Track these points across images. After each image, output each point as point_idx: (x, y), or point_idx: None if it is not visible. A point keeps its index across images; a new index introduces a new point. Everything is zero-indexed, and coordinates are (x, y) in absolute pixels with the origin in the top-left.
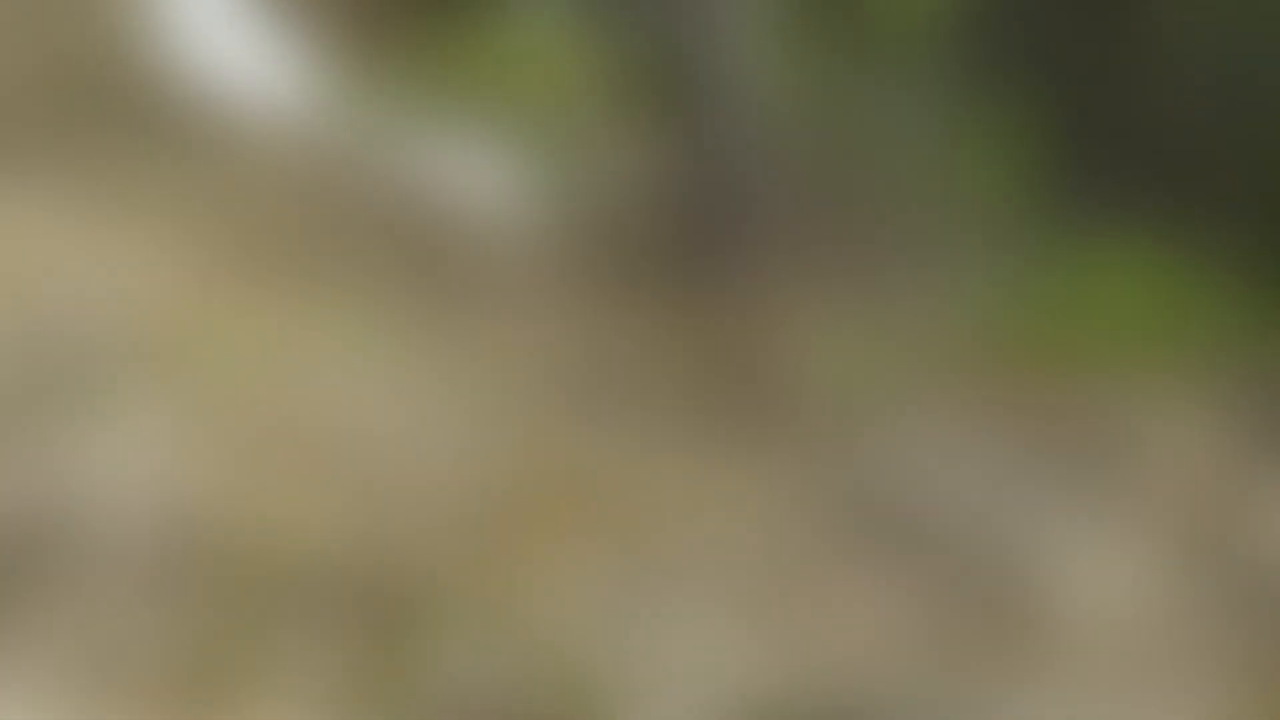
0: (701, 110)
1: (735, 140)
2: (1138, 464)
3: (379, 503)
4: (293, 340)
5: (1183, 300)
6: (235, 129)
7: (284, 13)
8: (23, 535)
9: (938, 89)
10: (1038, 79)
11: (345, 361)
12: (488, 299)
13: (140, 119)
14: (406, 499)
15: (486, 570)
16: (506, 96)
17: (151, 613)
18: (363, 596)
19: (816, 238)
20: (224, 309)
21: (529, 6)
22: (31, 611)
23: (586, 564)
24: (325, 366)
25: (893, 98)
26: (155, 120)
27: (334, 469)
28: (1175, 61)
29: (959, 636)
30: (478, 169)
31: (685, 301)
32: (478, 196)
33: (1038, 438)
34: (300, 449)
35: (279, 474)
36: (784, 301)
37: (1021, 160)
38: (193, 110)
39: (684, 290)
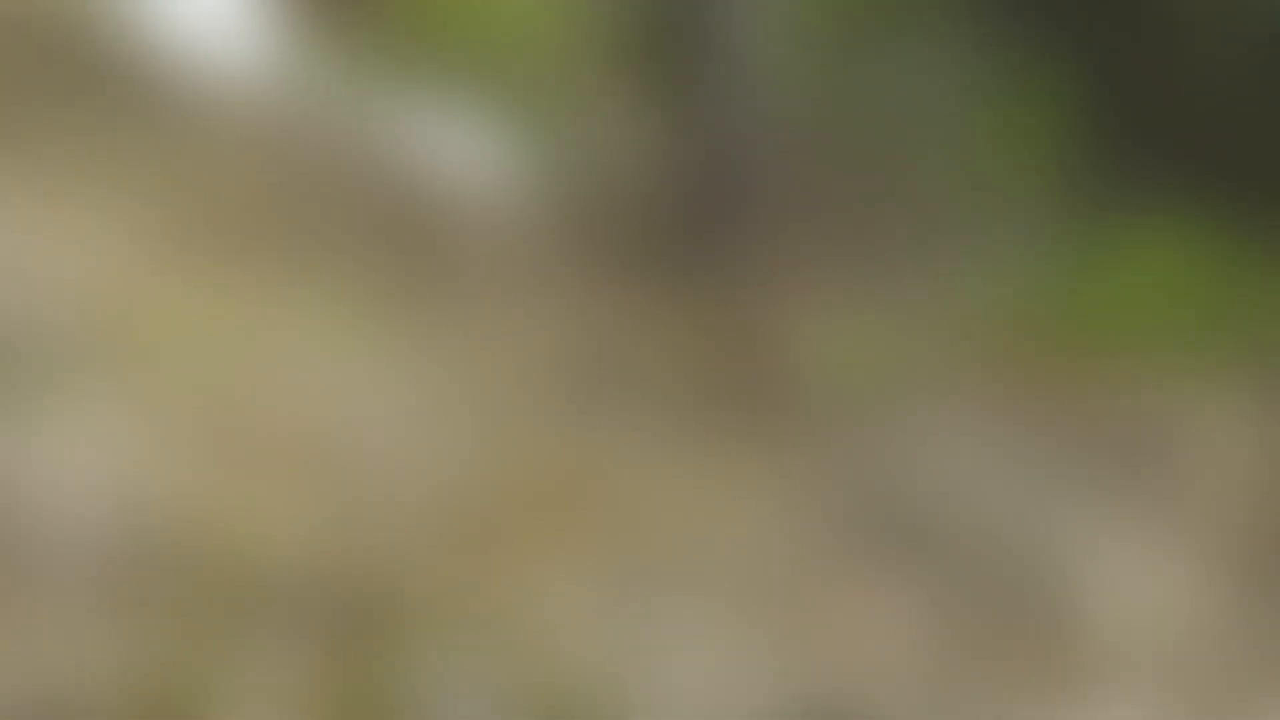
0: (705, 78)
1: (741, 111)
2: (1176, 460)
3: (355, 506)
4: (262, 328)
5: (1226, 281)
6: (199, 97)
7: None
8: None
9: (961, 54)
10: (1070, 39)
11: (319, 352)
12: (473, 284)
13: (94, 85)
14: (385, 502)
15: (471, 578)
16: (493, 62)
17: (105, 627)
18: (338, 608)
19: (827, 218)
20: (187, 293)
21: None
22: None
23: (579, 570)
24: (297, 357)
25: (912, 64)
26: (110, 87)
27: (306, 469)
28: (1222, 20)
29: (980, 648)
30: (463, 141)
31: (686, 287)
32: (463, 171)
33: (1065, 432)
34: (270, 447)
35: (247, 475)
36: (792, 287)
37: (1051, 130)
38: (152, 76)
39: (685, 275)
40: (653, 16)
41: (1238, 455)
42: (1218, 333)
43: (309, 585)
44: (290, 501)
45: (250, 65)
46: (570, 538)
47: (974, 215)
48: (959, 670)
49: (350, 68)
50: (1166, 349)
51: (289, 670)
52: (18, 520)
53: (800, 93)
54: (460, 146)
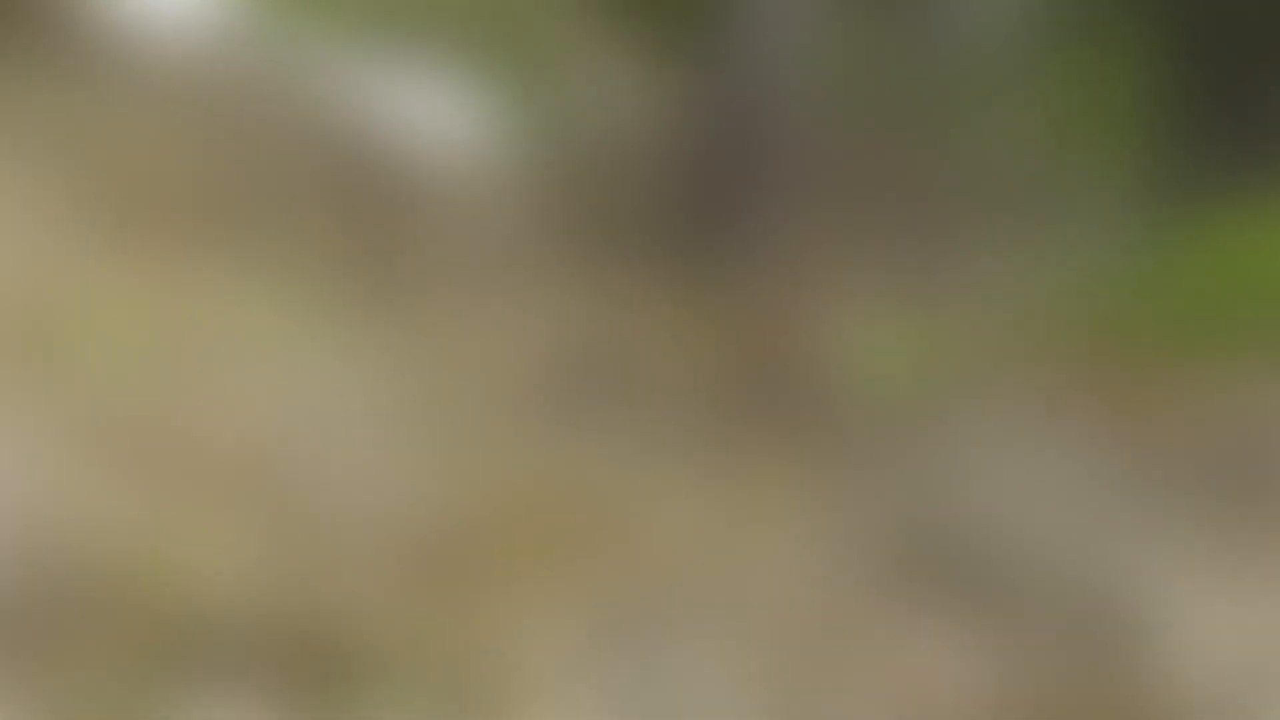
0: (720, 30)
1: (763, 70)
2: (1272, 477)
3: (309, 535)
4: (204, 325)
5: None
6: (135, 54)
7: None
8: None
9: (1026, 5)
10: None
11: (269, 353)
12: (448, 273)
13: (19, 41)
14: (343, 530)
15: (443, 620)
16: (473, 10)
17: (16, 672)
18: (289, 654)
19: (863, 197)
20: (115, 283)
21: None
22: None
23: (568, 612)
24: (244, 359)
25: (967, 16)
26: (38, 43)
27: (252, 491)
28: None
29: (1046, 702)
30: (437, 106)
31: (697, 278)
32: (437, 141)
33: (1142, 447)
34: (210, 465)
35: (183, 498)
36: (820, 278)
37: (1129, 97)
38: (83, 30)
39: (695, 264)
40: None
41: None
42: None
43: (255, 627)
44: (233, 529)
45: (197, 20)
46: (558, 573)
47: (1035, 195)
48: None
49: (309, 23)
50: (1259, 349)
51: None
52: None
53: (833, 48)
54: (434, 112)
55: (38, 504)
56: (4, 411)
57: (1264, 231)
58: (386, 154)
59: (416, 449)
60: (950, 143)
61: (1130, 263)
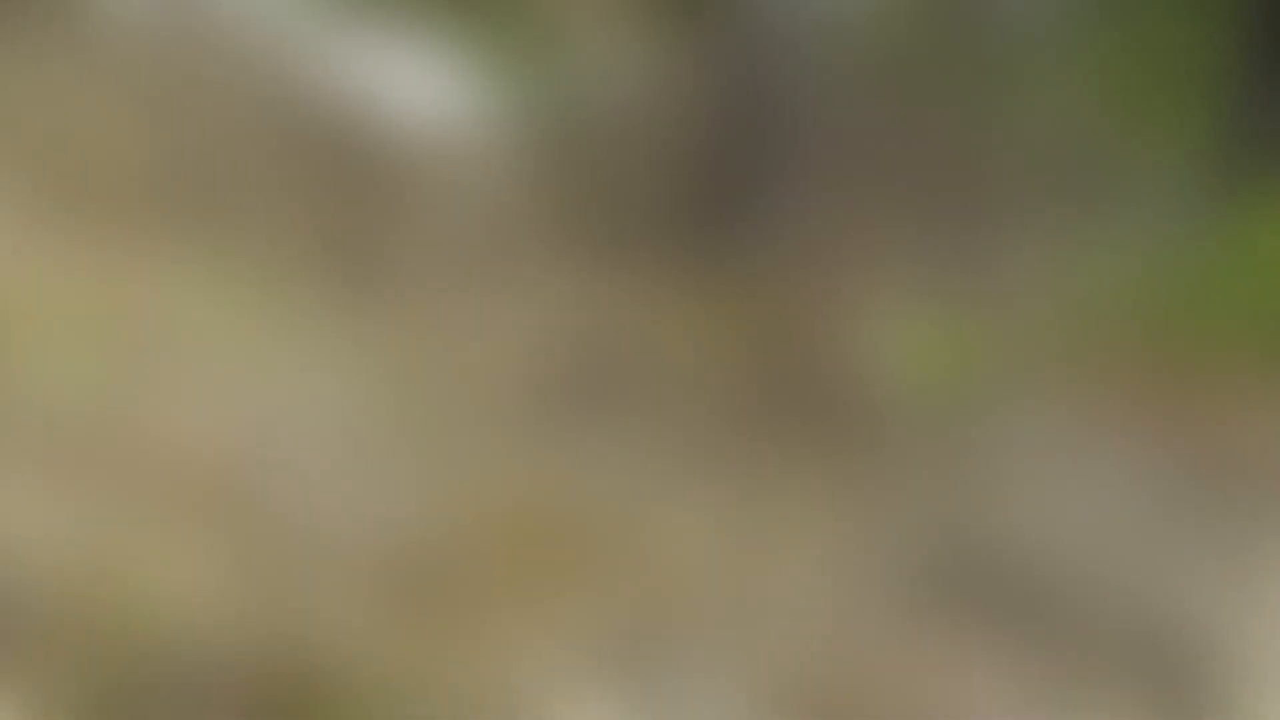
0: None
1: (786, 40)
2: None
3: (279, 556)
4: (161, 322)
5: None
6: (76, 19)
7: None
8: None
9: None
10: None
11: (234, 353)
12: (435, 264)
13: None
14: (317, 550)
15: (427, 645)
16: None
17: None
18: (258, 687)
19: (895, 180)
20: (63, 277)
21: None
22: None
23: (568, 640)
24: (205, 360)
25: None
26: None
27: (215, 508)
28: None
29: None
30: (423, 76)
31: (711, 269)
32: (423, 116)
33: (1200, 457)
34: (169, 480)
35: (138, 517)
36: (847, 270)
37: (1195, 67)
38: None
39: (710, 253)
40: None
41: None
42: None
43: (220, 654)
44: (195, 547)
45: None
46: (555, 598)
47: (1087, 178)
48: None
49: None
50: None
51: None
52: None
53: (863, 14)
54: (420, 83)
55: None
56: None
57: None
58: (367, 131)
59: (399, 459)
60: (993, 121)
61: (1189, 255)
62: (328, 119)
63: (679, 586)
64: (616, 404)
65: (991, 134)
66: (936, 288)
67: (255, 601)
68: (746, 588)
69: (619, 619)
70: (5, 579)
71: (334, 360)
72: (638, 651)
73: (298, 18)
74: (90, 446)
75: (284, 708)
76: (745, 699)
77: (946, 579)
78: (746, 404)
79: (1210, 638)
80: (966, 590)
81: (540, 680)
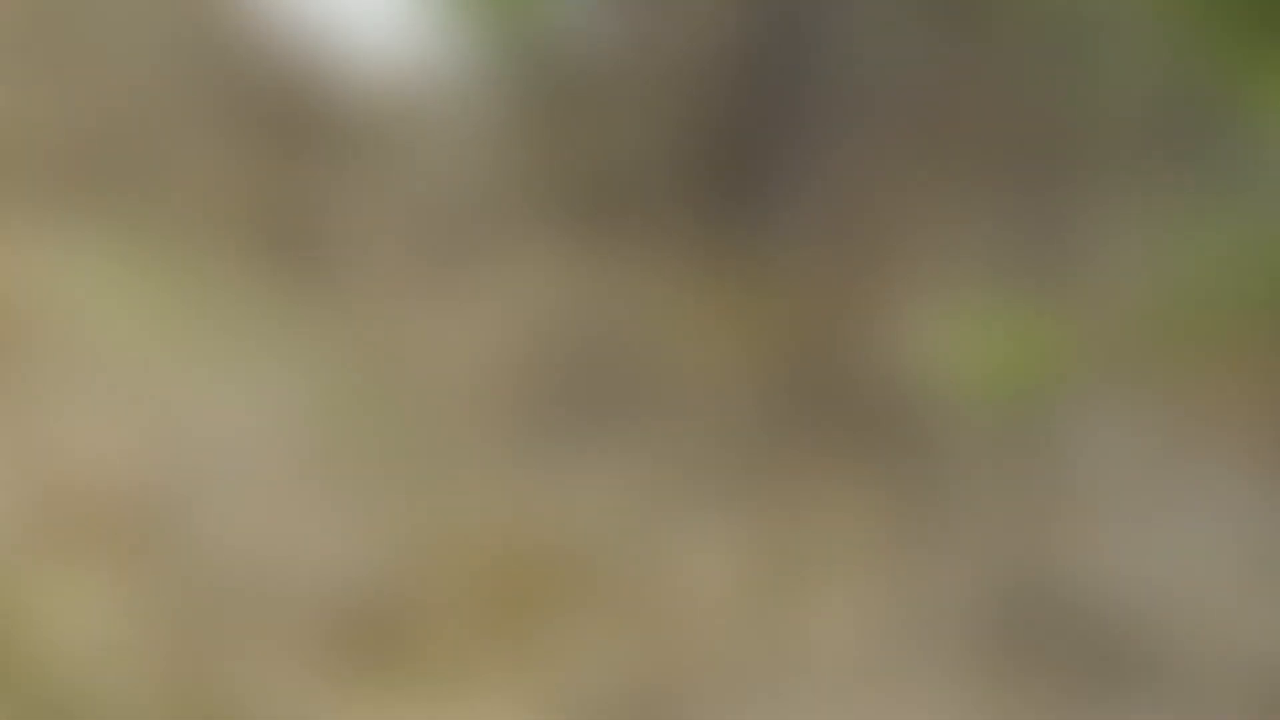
0: None
1: None
2: None
3: (203, 596)
4: (60, 314)
5: None
6: None
7: None
8: None
9: None
10: None
11: (147, 354)
12: (396, 247)
13: None
14: (248, 590)
15: (380, 710)
16: None
17: None
18: None
19: (948, 148)
20: None
21: None
22: None
23: (560, 696)
24: (113, 362)
25: None
26: None
27: (130, 540)
28: None
29: None
30: (381, 18)
31: (730, 251)
32: (381, 66)
33: None
34: (72, 504)
35: (35, 546)
36: (892, 253)
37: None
38: None
39: (728, 232)
40: None
41: None
42: None
43: (129, 714)
44: (101, 589)
45: None
46: (543, 656)
47: (1180, 141)
48: None
49: None
50: None
51: None
52: None
53: None
54: (381, 24)
55: None
56: None
57: None
58: (310, 80)
59: (350, 482)
60: (1070, 73)
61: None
62: (263, 65)
63: (693, 638)
64: (615, 415)
65: (1067, 89)
66: (1000, 273)
67: (170, 658)
68: (775, 639)
69: (621, 680)
70: None
71: (271, 360)
72: (649, 710)
73: None
74: None
75: None
76: None
77: (1014, 626)
78: (772, 415)
79: None
80: (1038, 640)
81: None
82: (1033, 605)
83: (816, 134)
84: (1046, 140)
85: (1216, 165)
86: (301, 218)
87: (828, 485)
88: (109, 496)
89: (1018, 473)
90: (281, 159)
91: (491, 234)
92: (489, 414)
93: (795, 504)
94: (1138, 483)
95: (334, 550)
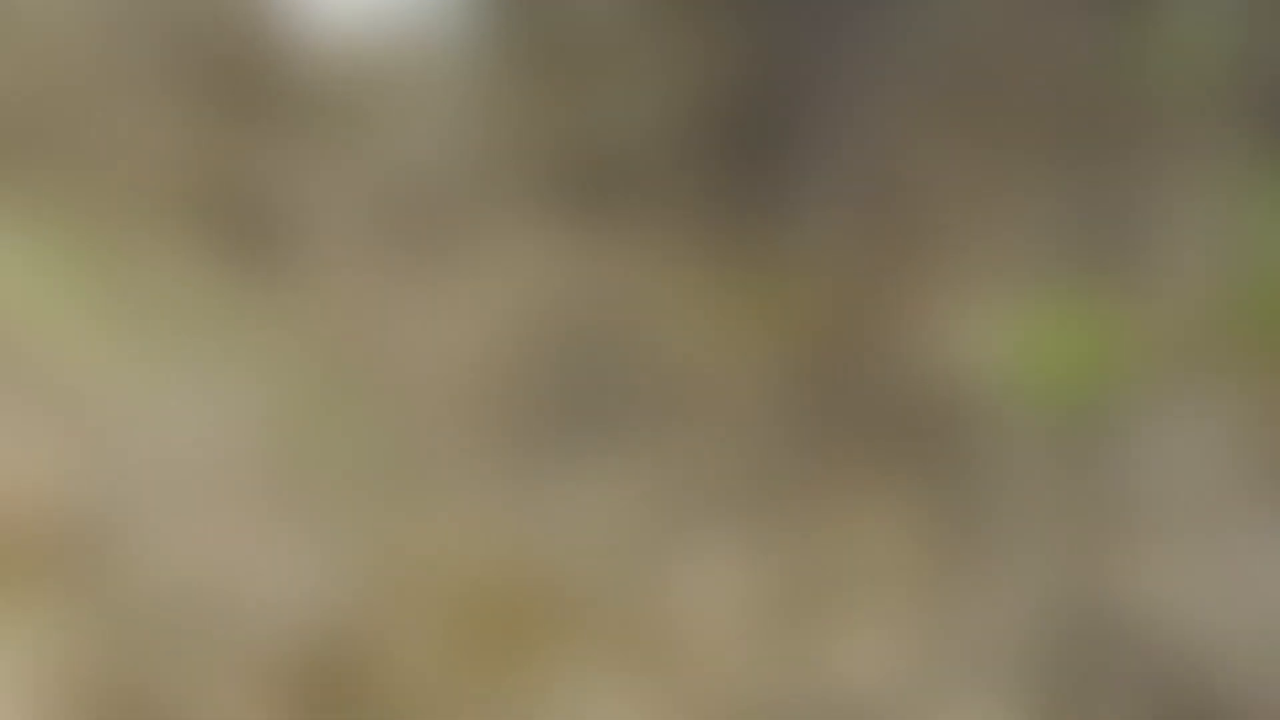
0: None
1: None
2: None
3: (136, 640)
4: None
5: None
6: None
7: None
8: None
9: None
10: None
11: (75, 353)
12: (366, 230)
13: None
14: (191, 633)
15: None
16: None
17: None
18: None
19: (994, 119)
20: None
21: None
22: None
23: None
24: (36, 363)
25: None
26: None
27: (55, 568)
28: None
29: None
30: None
31: (744, 240)
32: (351, 25)
33: None
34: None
35: None
36: (930, 243)
37: None
38: None
39: (742, 219)
40: None
41: None
42: None
43: None
44: (23, 622)
45: None
46: (533, 697)
47: (1252, 114)
48: None
49: None
50: None
51: None
52: None
53: None
54: None
55: None
56: None
57: None
58: (269, 32)
59: (310, 502)
60: (1129, 39)
61: None
62: (210, 20)
63: (701, 682)
64: (614, 423)
65: (1133, 47)
66: (1056, 260)
67: (106, 701)
68: (796, 683)
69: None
70: None
71: (220, 361)
72: None
73: None
74: None
75: None
76: None
77: (1070, 662)
78: (794, 422)
79: None
80: (1096, 677)
81: None
82: (1091, 638)
83: (845, 101)
84: (1108, 106)
85: None
86: (256, 197)
87: (858, 503)
88: (32, 520)
89: (1074, 488)
90: (233, 128)
91: (474, 215)
92: (469, 422)
93: (821, 525)
94: (1209, 499)
95: (292, 579)
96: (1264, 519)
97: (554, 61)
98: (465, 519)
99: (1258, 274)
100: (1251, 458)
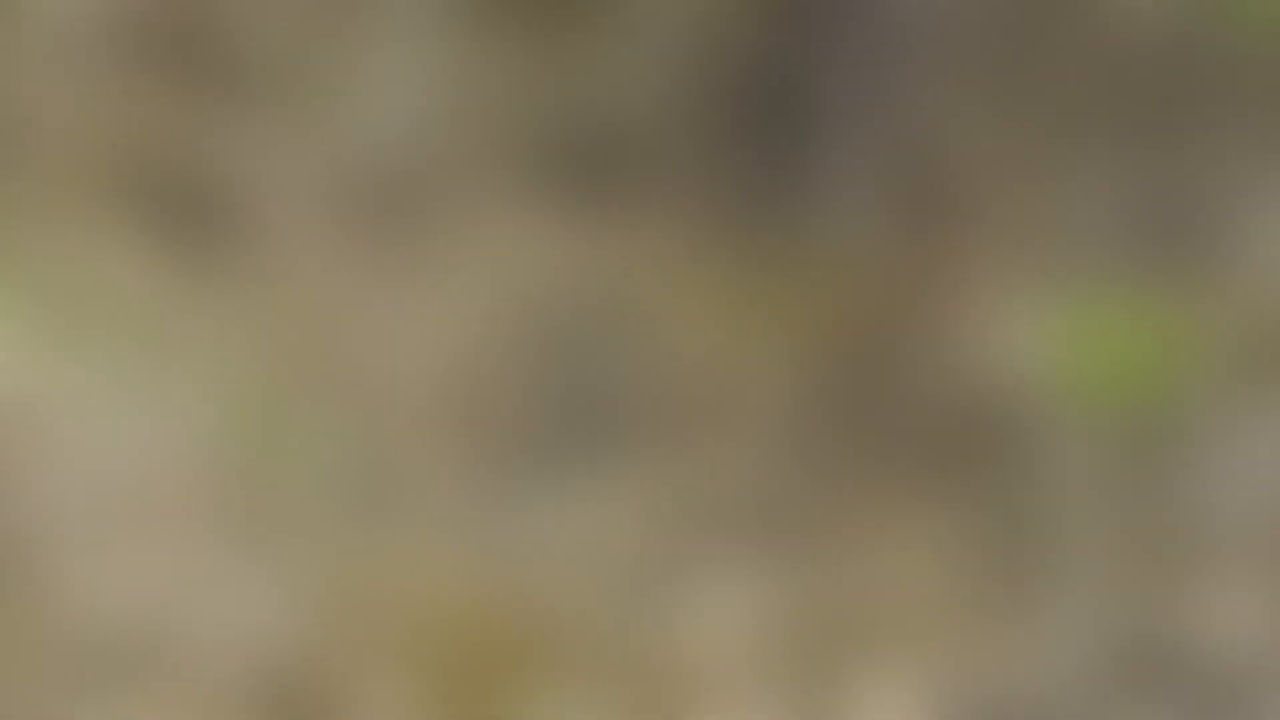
0: None
1: None
2: None
3: (74, 676)
4: None
5: None
6: None
7: None
8: None
9: None
10: None
11: (7, 355)
12: (334, 213)
13: None
14: (135, 666)
15: None
16: None
17: None
18: None
19: (1046, 98)
20: None
21: None
22: None
23: None
24: None
25: None
26: None
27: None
28: None
29: None
30: None
31: (762, 229)
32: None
33: None
34: None
35: None
36: (971, 234)
37: None
38: None
39: (759, 206)
40: None
41: None
42: None
43: None
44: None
45: None
46: None
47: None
48: None
49: None
50: None
51: None
52: None
53: None
54: None
55: None
56: None
57: None
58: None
59: (270, 523)
60: (1192, 9)
61: None
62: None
63: (728, 712)
64: (610, 434)
65: (1197, 19)
66: (1113, 252)
67: None
68: (827, 714)
69: None
70: None
71: (166, 363)
72: None
73: None
74: None
75: None
76: None
77: (1127, 698)
78: (816, 434)
79: None
80: (1150, 690)
81: None
82: (1151, 671)
83: (874, 75)
84: (1173, 79)
85: None
86: (205, 177)
87: (888, 528)
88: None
89: (1133, 508)
90: (178, 100)
91: (451, 199)
92: (444, 434)
93: (846, 553)
94: (1275, 510)
95: (244, 607)
96: None
97: (543, 25)
98: (438, 541)
99: None
100: None
